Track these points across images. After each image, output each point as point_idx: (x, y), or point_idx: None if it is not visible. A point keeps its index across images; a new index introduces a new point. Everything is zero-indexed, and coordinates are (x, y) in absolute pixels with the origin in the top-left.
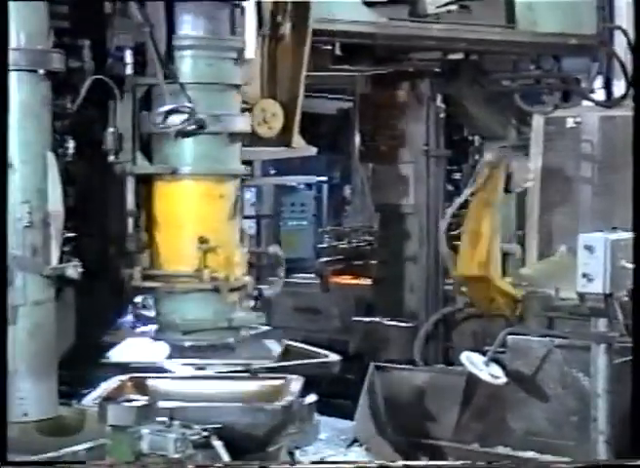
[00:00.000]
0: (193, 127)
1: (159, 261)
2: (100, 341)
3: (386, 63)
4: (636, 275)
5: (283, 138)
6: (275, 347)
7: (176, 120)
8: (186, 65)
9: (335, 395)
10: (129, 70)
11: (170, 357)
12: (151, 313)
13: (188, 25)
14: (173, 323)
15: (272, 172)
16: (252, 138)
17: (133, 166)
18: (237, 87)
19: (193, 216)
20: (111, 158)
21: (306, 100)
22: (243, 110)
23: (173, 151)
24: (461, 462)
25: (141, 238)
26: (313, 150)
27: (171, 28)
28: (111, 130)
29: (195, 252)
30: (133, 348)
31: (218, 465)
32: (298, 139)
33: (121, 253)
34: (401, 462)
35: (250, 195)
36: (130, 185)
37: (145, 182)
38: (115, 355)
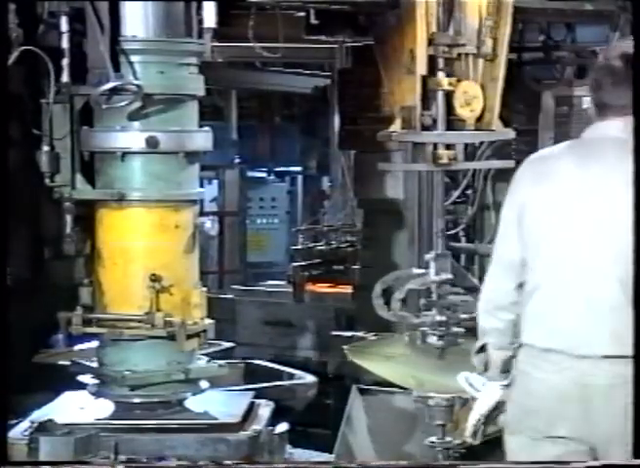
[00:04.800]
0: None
1: (103, 303)
2: (30, 362)
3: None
4: (636, 275)
5: (480, 122)
6: (243, 400)
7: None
8: (135, 73)
9: (310, 423)
10: (65, 41)
11: (114, 416)
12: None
13: (136, 26)
14: (119, 376)
15: (237, 161)
16: (451, 122)
17: (72, 190)
18: (195, 97)
19: (144, 250)
20: (47, 181)
21: (277, 77)
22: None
23: (119, 173)
24: (454, 462)
25: (81, 239)
26: (512, 133)
27: (115, 29)
28: (46, 148)
29: (146, 291)
30: (69, 405)
31: (225, 464)
32: (497, 122)
33: (57, 256)
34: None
35: (210, 189)
36: (68, 215)
37: (88, 208)
38: (48, 414)
